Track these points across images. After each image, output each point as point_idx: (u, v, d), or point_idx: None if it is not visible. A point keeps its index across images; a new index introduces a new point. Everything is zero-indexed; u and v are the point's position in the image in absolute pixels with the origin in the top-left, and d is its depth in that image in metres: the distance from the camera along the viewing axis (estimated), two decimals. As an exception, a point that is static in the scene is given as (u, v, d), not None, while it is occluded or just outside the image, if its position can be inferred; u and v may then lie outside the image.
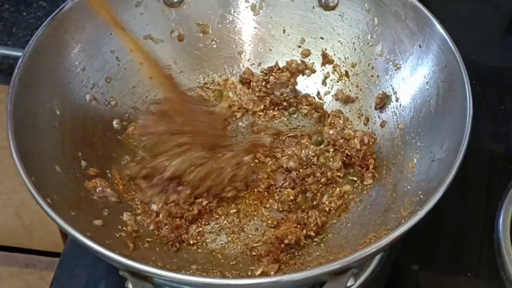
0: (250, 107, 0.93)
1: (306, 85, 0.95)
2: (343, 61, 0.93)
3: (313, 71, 0.95)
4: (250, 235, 0.82)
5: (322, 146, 0.87)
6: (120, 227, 0.78)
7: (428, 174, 0.76)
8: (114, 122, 0.88)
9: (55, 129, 0.80)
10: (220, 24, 0.95)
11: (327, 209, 0.83)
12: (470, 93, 0.76)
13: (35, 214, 1.34)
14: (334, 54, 0.94)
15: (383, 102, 0.88)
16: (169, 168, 0.81)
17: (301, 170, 0.85)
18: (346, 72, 0.93)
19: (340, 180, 0.85)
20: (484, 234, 0.89)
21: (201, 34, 0.95)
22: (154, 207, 0.82)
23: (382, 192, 0.82)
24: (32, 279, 1.50)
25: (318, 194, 0.84)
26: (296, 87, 0.94)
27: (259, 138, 0.90)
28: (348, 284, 0.64)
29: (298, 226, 0.80)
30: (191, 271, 0.75)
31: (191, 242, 0.80)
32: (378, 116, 0.89)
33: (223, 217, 0.83)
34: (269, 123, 0.92)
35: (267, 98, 0.93)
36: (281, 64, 0.95)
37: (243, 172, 0.84)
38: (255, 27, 0.96)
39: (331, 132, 0.87)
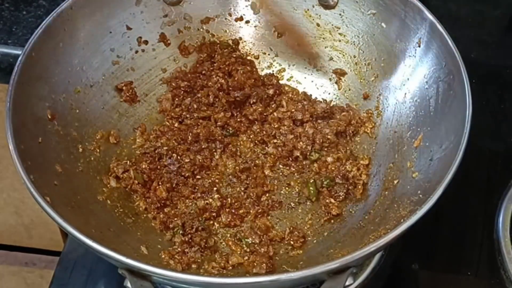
0: None
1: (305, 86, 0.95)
2: (342, 61, 0.93)
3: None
4: None
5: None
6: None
7: (428, 174, 0.76)
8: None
9: (54, 128, 0.80)
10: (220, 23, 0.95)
11: None
12: (469, 92, 0.76)
13: (35, 212, 1.34)
14: (334, 54, 0.94)
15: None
16: None
17: None
18: (346, 71, 0.93)
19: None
20: (484, 234, 0.89)
21: (201, 33, 0.95)
22: None
23: (381, 192, 0.82)
24: (32, 277, 1.50)
25: None
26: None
27: None
28: (347, 283, 0.64)
29: None
30: None
31: None
32: (378, 116, 0.89)
33: None
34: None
35: None
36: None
37: None
38: (255, 26, 0.96)
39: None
